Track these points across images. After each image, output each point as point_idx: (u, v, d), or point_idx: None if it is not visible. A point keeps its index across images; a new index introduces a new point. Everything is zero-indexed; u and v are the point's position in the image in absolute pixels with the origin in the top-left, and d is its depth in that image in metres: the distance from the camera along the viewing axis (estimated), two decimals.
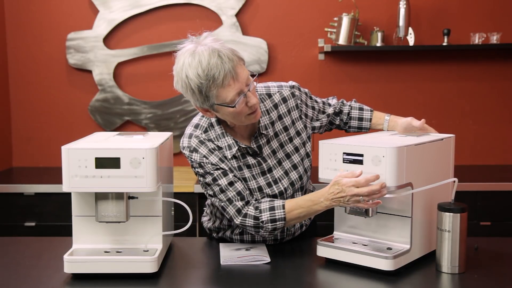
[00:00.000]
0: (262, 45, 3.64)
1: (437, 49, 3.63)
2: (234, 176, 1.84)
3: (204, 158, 1.83)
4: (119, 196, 1.66)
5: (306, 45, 3.70)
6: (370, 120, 2.08)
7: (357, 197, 1.64)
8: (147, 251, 1.70)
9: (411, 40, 3.51)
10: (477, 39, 3.55)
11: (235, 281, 1.65)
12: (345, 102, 2.12)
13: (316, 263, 1.78)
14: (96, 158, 1.60)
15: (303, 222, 1.99)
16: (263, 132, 1.88)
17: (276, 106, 1.93)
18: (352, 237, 1.81)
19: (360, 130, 2.11)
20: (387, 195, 1.66)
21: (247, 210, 1.81)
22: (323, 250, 1.77)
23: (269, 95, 1.94)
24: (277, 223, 1.79)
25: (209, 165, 1.82)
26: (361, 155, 1.65)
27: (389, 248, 1.69)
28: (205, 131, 1.86)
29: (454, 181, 1.68)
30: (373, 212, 1.70)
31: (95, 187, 1.61)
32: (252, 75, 1.77)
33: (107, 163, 1.60)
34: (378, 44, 3.52)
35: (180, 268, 1.77)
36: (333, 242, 1.77)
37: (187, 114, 3.70)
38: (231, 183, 1.82)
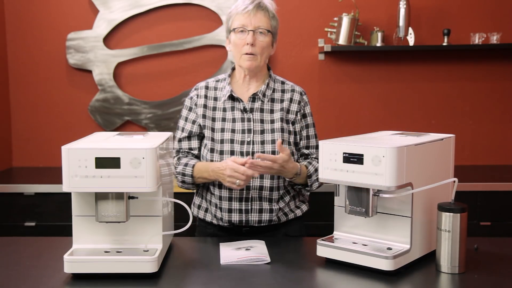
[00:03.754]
0: None
1: (437, 49, 3.62)
2: (194, 123, 2.12)
3: (195, 92, 2.15)
4: (119, 196, 1.66)
5: (306, 45, 3.69)
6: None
7: (233, 179, 1.90)
8: (147, 251, 1.70)
9: (411, 40, 3.51)
10: (477, 39, 3.55)
11: (235, 281, 1.65)
12: (314, 161, 2.13)
13: (316, 263, 1.78)
14: (96, 158, 1.60)
15: (274, 217, 2.08)
16: (259, 95, 2.10)
17: (284, 91, 2.16)
18: (352, 237, 1.81)
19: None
20: (387, 195, 1.66)
21: (178, 156, 2.15)
22: (323, 250, 1.77)
23: (283, 83, 2.20)
24: (185, 177, 2.10)
25: (189, 100, 2.16)
26: (361, 155, 1.65)
27: (389, 248, 1.69)
28: (217, 80, 2.18)
29: (454, 181, 1.68)
30: (373, 212, 1.70)
31: (95, 187, 1.61)
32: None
33: (107, 163, 1.60)
34: (378, 44, 3.52)
35: (180, 268, 1.77)
36: (333, 242, 1.77)
37: None
38: (186, 121, 2.14)
